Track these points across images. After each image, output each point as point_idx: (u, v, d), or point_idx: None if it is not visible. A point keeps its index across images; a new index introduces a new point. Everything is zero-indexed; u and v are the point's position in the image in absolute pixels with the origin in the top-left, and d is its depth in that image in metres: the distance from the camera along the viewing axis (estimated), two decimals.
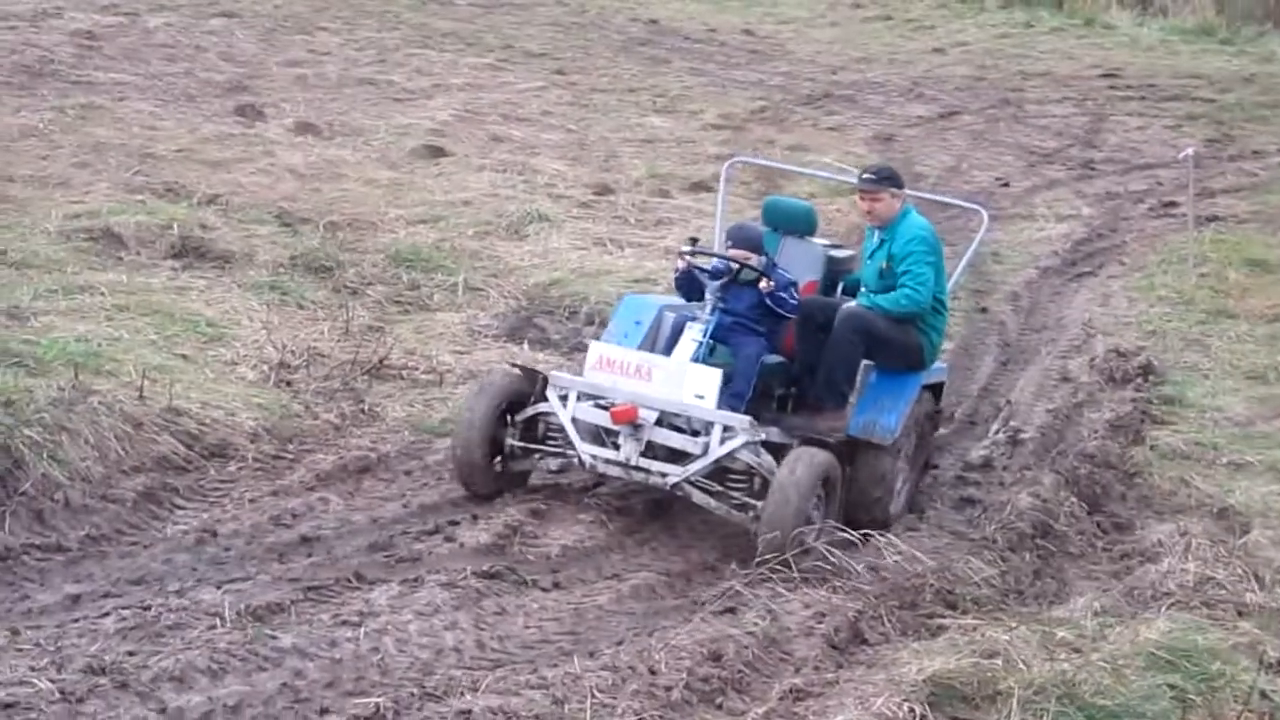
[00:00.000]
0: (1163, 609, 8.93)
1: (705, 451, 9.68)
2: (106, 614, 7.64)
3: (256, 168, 17.52)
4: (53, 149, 17.07)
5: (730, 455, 9.69)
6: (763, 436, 9.77)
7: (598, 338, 10.99)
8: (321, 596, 8.21)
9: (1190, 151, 18.63)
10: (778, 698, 7.47)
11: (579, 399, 9.96)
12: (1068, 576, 9.89)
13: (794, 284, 10.64)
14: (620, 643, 7.94)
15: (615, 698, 7.06)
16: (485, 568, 8.76)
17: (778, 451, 9.76)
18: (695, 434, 9.79)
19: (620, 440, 9.80)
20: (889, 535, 9.88)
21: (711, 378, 9.81)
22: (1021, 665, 7.53)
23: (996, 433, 12.30)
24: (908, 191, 10.97)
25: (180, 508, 9.37)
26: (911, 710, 7.01)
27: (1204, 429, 12.44)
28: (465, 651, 7.73)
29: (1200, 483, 11.28)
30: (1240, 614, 9.08)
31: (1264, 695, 7.81)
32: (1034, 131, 25.76)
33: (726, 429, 9.69)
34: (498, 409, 10.08)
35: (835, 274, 11.27)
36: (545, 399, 10.08)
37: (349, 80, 23.76)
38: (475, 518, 9.63)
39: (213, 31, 25.11)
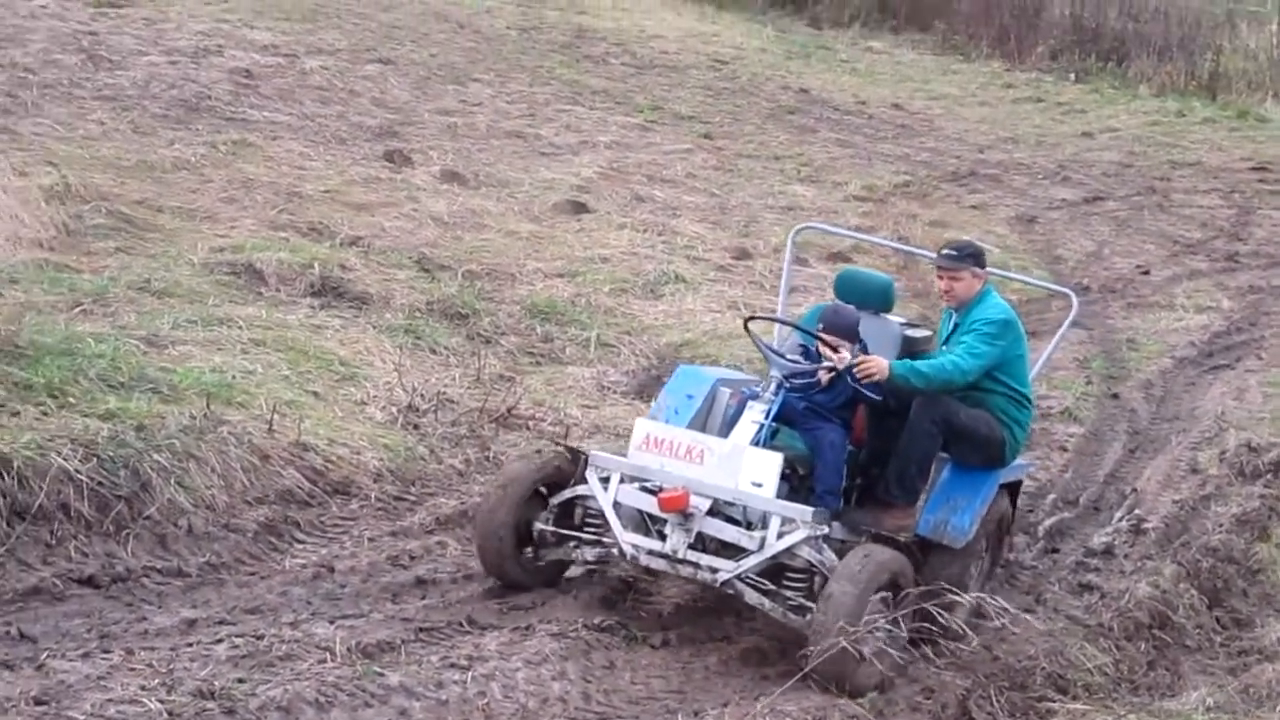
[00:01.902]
0: (1278, 709, 8.75)
1: (762, 546, 8.77)
2: (220, 640, 7.77)
3: (400, 213, 17.74)
4: (203, 183, 17.38)
5: (789, 551, 8.80)
6: (825, 531, 8.86)
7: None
8: (432, 638, 8.30)
9: None
10: None
11: (622, 481, 9.11)
12: (1183, 670, 9.74)
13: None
14: (726, 704, 7.95)
15: None
16: (597, 621, 8.83)
17: (841, 550, 8.95)
18: (750, 526, 8.93)
19: (667, 530, 8.92)
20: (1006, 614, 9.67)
21: (771, 463, 8.92)
22: None
23: (1120, 520, 12.15)
24: (993, 271, 10.41)
25: (300, 541, 9.51)
26: None
27: None
28: (570, 702, 7.78)
29: None
30: None
31: None
32: (1179, 221, 25.51)
33: (785, 521, 8.82)
34: (529, 490, 9.28)
35: (912, 355, 10.30)
36: (585, 480, 9.24)
37: (497, 132, 23.99)
38: (591, 572, 9.56)
39: (368, 77, 25.42)
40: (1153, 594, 10.30)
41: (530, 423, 12.12)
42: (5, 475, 8.41)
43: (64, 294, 12.24)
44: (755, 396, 9.46)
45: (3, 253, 11.77)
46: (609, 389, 13.38)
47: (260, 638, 7.85)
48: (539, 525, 9.25)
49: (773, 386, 9.43)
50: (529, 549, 9.29)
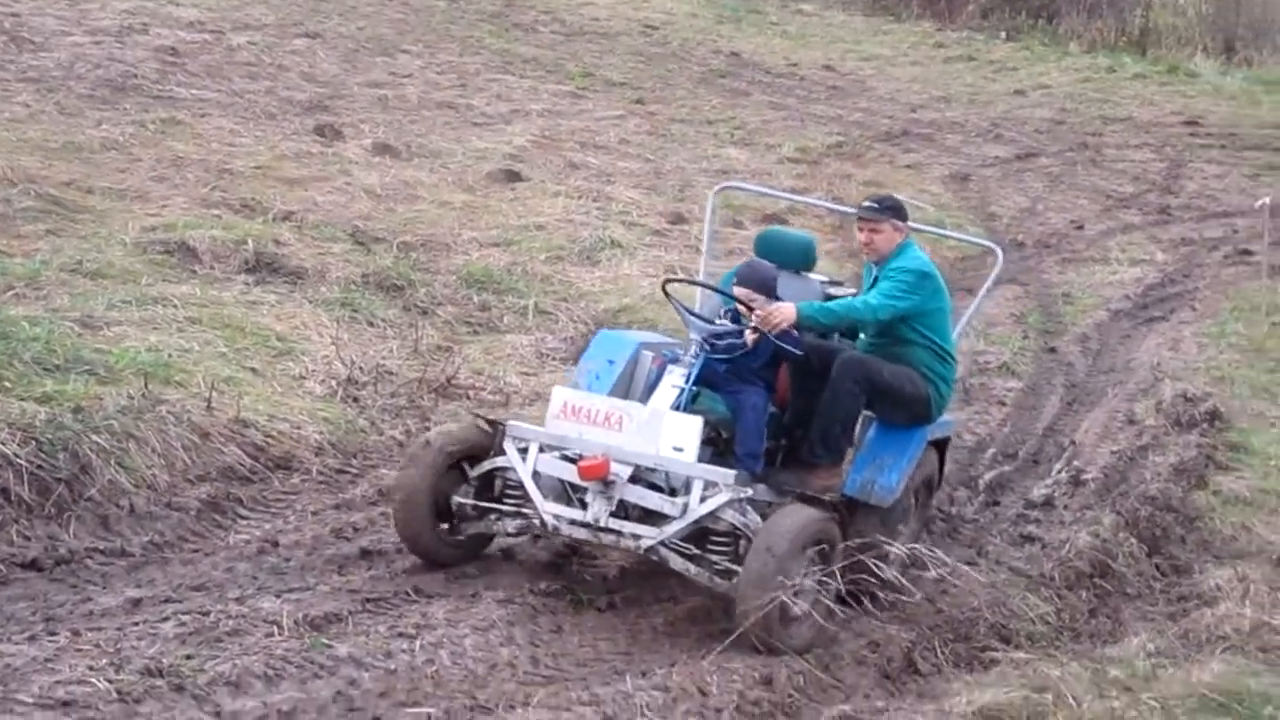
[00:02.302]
0: (1217, 652, 8.83)
1: (684, 511, 8.55)
2: (166, 618, 7.74)
3: (333, 186, 17.69)
4: (132, 162, 17.27)
5: (712, 515, 8.56)
6: (749, 493, 8.64)
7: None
8: (379, 609, 8.29)
9: (1267, 200, 18.61)
10: None
11: (541, 451, 8.87)
12: (1123, 617, 9.83)
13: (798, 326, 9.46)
14: (674, 664, 7.96)
15: (665, 717, 7.11)
16: (542, 586, 8.83)
17: (767, 513, 8.71)
18: (672, 491, 8.70)
19: (588, 498, 8.68)
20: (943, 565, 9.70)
21: (692, 427, 8.69)
22: (1071, 701, 7.50)
23: (1059, 472, 12.28)
24: (914, 226, 10.21)
25: (243, 518, 9.47)
26: None
27: (1268, 476, 12.37)
28: (519, 667, 7.79)
29: (1261, 529, 11.24)
30: None
31: None
32: (1111, 176, 25.72)
33: (708, 485, 8.59)
34: (446, 464, 9.00)
35: None
36: (503, 451, 8.98)
37: (428, 103, 23.93)
38: (535, 538, 9.46)
39: (295, 51, 25.32)
40: (1093, 543, 10.40)
41: (470, 392, 12.13)
42: None
43: None
44: (676, 360, 9.29)
45: None
46: (547, 356, 13.39)
47: (207, 614, 7.82)
48: (458, 499, 9.03)
49: (692, 350, 9.24)
50: (449, 524, 9.09)
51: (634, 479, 8.64)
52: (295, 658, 7.41)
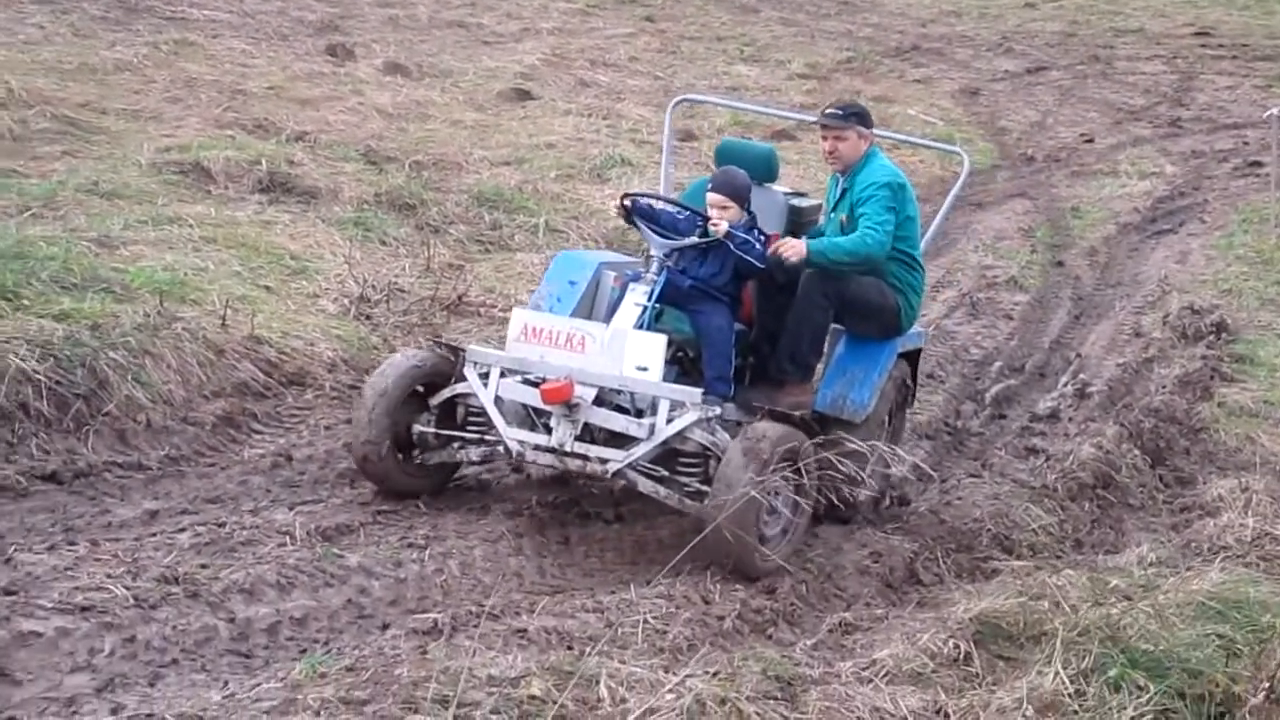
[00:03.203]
0: (1217, 561, 8.93)
1: (651, 432, 8.34)
2: (182, 529, 7.91)
3: (345, 106, 17.80)
4: (146, 84, 17.38)
5: (680, 435, 8.35)
6: (717, 411, 8.43)
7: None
8: (390, 521, 8.46)
9: (1276, 112, 18.58)
10: (827, 630, 7.63)
11: (502, 376, 8.59)
12: (1126, 527, 9.95)
13: (764, 236, 9.21)
14: (678, 574, 8.09)
15: (668, 624, 7.24)
16: (550, 498, 8.99)
17: (735, 431, 8.44)
18: (639, 413, 8.50)
19: (552, 423, 8.44)
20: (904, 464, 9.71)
21: (656, 346, 8.44)
22: (1068, 608, 7.57)
23: (1065, 385, 12.37)
24: (880, 133, 9.89)
25: (257, 432, 9.62)
26: (957, 646, 7.11)
27: (1274, 388, 12.49)
28: (526, 577, 7.95)
29: (1265, 440, 11.35)
30: None
31: None
32: (1122, 89, 25.71)
33: (675, 405, 8.37)
34: (405, 392, 8.74)
35: (798, 226, 9.96)
36: (464, 378, 8.75)
37: (439, 22, 23.99)
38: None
39: None
40: (1096, 455, 10.49)
41: (481, 309, 12.24)
42: None
43: (12, 198, 12.28)
44: (637, 278, 9.03)
45: None
46: None
47: (221, 525, 7.99)
48: (418, 427, 8.81)
49: (654, 267, 8.98)
50: (412, 453, 8.87)
51: (598, 401, 8.42)
52: (307, 567, 7.59)
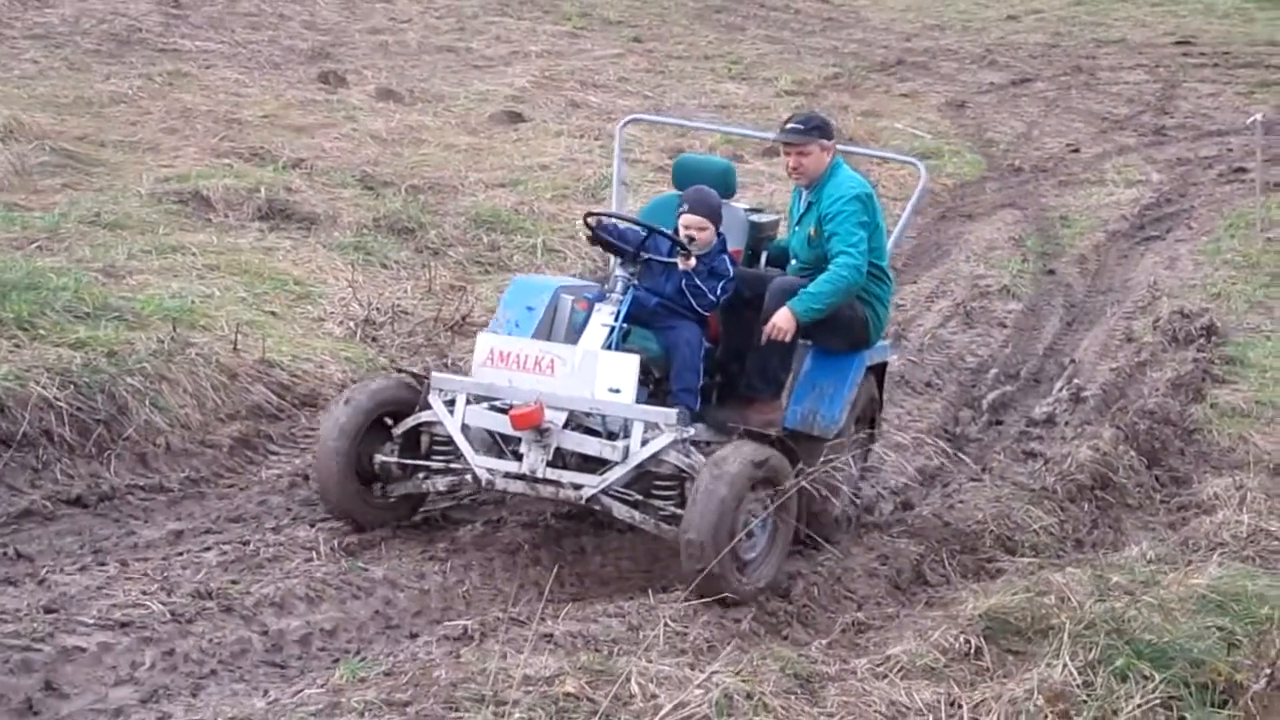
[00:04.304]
0: (1215, 557, 9.08)
1: (626, 456, 8.07)
2: (208, 548, 8.11)
3: (340, 133, 17.99)
4: (142, 115, 17.57)
5: (655, 458, 8.09)
6: (691, 433, 8.23)
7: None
8: (410, 535, 8.64)
9: (1259, 118, 18.84)
10: (840, 630, 7.84)
11: (469, 402, 8.33)
12: (1125, 526, 10.15)
13: (728, 277, 8.92)
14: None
15: (687, 627, 7.40)
16: (565, 510, 9.12)
17: (708, 452, 8.25)
18: (612, 436, 8.22)
19: (523, 449, 8.17)
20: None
21: (628, 366, 8.19)
22: (1074, 603, 7.72)
23: (1060, 390, 12.54)
24: (839, 146, 9.48)
25: (274, 453, 9.81)
26: (967, 642, 7.29)
27: (1264, 388, 12.67)
28: (545, 586, 8.10)
29: (1258, 439, 11.54)
30: None
31: None
32: (1106, 98, 25.95)
33: (649, 427, 8.11)
34: (366, 422, 8.48)
35: (758, 241, 9.83)
36: (429, 406, 8.48)
37: (429, 47, 24.20)
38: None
39: (296, 0, 25.52)
40: (1093, 457, 10.67)
41: (484, 329, 12.38)
42: None
43: (18, 231, 12.47)
44: (603, 299, 8.77)
45: None
46: None
47: (246, 543, 8.19)
48: (381, 458, 8.53)
49: (619, 286, 8.73)
50: (374, 485, 8.62)
51: (569, 425, 8.18)
52: (334, 580, 7.80)
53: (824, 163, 9.11)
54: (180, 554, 8.00)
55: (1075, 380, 12.75)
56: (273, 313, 11.77)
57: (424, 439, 8.66)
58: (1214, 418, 11.98)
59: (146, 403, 9.42)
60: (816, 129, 9.14)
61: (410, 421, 8.54)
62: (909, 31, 30.91)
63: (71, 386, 9.13)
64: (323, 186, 15.52)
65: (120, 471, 8.96)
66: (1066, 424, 11.79)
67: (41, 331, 9.83)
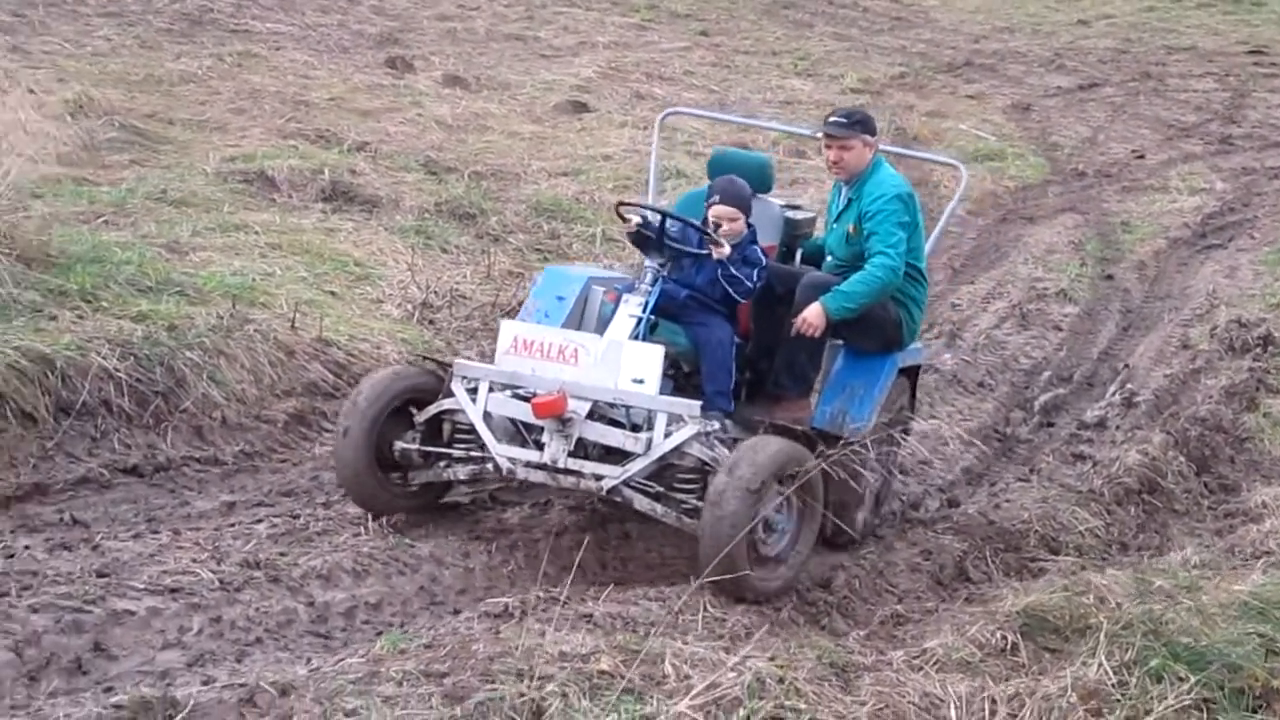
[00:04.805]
0: (1259, 565, 9.06)
1: (648, 447, 7.98)
2: (259, 520, 8.28)
3: (405, 118, 18.14)
4: (211, 95, 17.77)
5: (678, 450, 8.00)
6: (715, 426, 8.12)
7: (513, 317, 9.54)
8: (458, 515, 8.79)
9: None
10: (879, 622, 7.91)
11: (491, 390, 8.25)
12: (1171, 532, 10.10)
13: (761, 265, 8.81)
14: None
15: (726, 613, 7.47)
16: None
17: (734, 447, 8.06)
18: (635, 427, 8.14)
19: (544, 438, 8.09)
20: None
21: (653, 358, 8.09)
22: (1113, 604, 7.76)
23: (1113, 394, 12.51)
24: (881, 145, 9.37)
25: (327, 430, 9.92)
26: (1004, 638, 7.34)
27: None
28: (588, 568, 8.20)
29: None
30: None
31: None
32: (1174, 105, 25.82)
33: (672, 419, 8.04)
34: (388, 409, 8.41)
35: (793, 238, 9.72)
36: (451, 393, 8.40)
37: (497, 35, 24.33)
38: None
39: None
40: (1142, 461, 10.63)
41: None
42: (49, 374, 8.86)
43: (86, 206, 12.67)
44: (632, 289, 8.71)
45: (26, 168, 12.14)
46: None
47: (296, 517, 8.34)
48: (402, 445, 8.44)
49: (649, 277, 8.66)
50: (396, 473, 8.54)
51: (592, 415, 8.09)
52: (381, 555, 7.94)
53: (865, 158, 9.01)
54: (231, 525, 8.17)
55: (1128, 385, 12.73)
56: (332, 293, 11.91)
57: (446, 427, 8.58)
58: (1266, 427, 11.92)
59: (204, 376, 9.59)
60: (859, 123, 9.01)
61: (432, 409, 8.46)
62: (978, 33, 30.85)
63: (132, 358, 9.31)
64: (386, 170, 15.66)
65: (176, 443, 9.14)
66: (1117, 428, 11.77)
67: (104, 304, 10.01)
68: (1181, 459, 10.93)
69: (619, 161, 17.65)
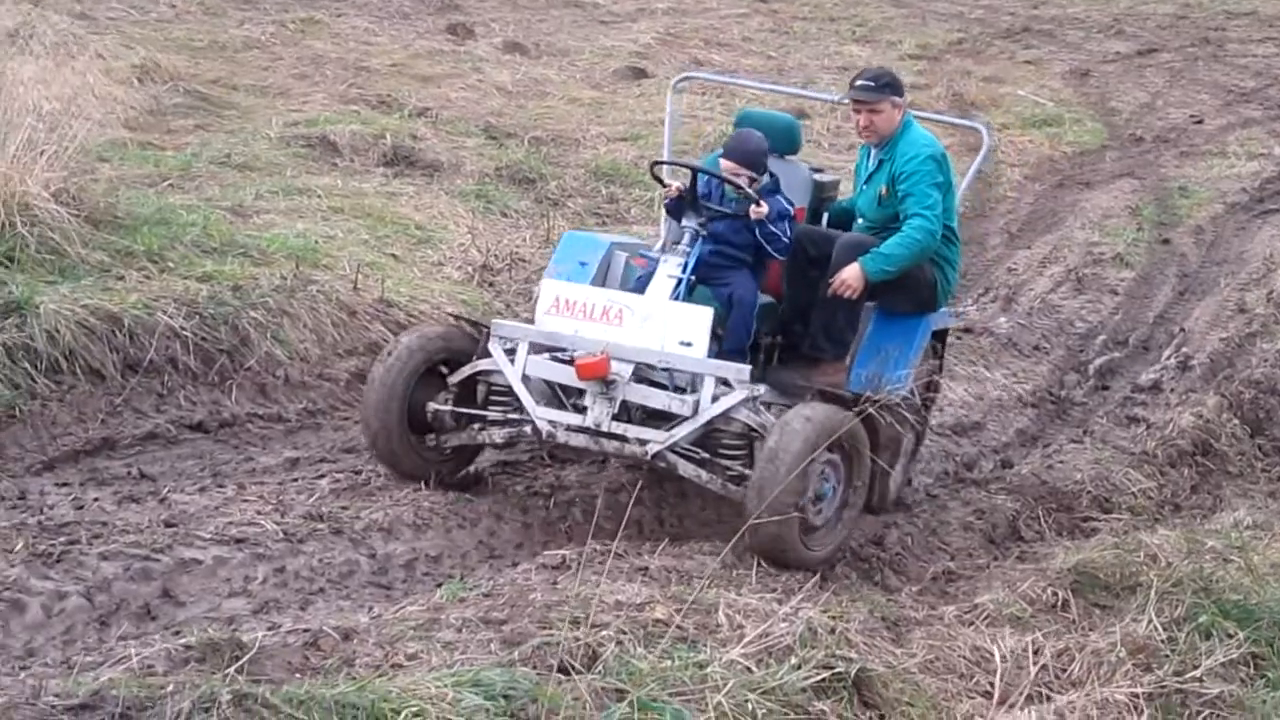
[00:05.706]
0: None
1: (695, 411, 7.80)
2: (322, 475, 8.43)
3: (465, 83, 18.29)
4: (274, 60, 17.96)
5: (724, 415, 7.82)
6: (763, 390, 7.93)
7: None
8: (517, 470, 8.93)
9: None
10: (931, 578, 8.03)
11: (530, 352, 8.05)
12: (1224, 493, 10.19)
13: (790, 216, 8.64)
14: None
15: (779, 569, 7.62)
16: None
17: (775, 413, 7.92)
18: (680, 390, 7.93)
19: (587, 401, 7.90)
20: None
21: (702, 320, 7.92)
22: (1164, 562, 7.84)
23: (1168, 358, 12.55)
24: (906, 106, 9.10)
25: None
26: (1055, 594, 7.46)
27: None
28: (645, 524, 8.35)
29: None
30: None
31: None
32: (1233, 71, 25.66)
33: (720, 383, 7.85)
34: (420, 369, 8.24)
35: (821, 201, 9.43)
36: (488, 354, 8.18)
37: (556, 2, 24.43)
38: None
39: None
40: (1196, 423, 10.73)
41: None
42: (117, 333, 9.06)
43: (151, 169, 12.86)
44: (668, 251, 8.55)
45: (94, 132, 12.32)
46: None
47: (358, 473, 8.47)
48: (434, 407, 8.25)
49: (686, 238, 8.48)
50: (428, 435, 8.36)
51: (637, 377, 7.91)
52: (441, 509, 8.08)
53: (895, 121, 8.78)
54: (295, 480, 8.33)
55: (1184, 349, 12.76)
56: (393, 255, 12.05)
57: (480, 389, 8.37)
58: None
59: (268, 336, 9.76)
60: (888, 86, 8.79)
61: (467, 370, 8.28)
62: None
63: (197, 317, 9.49)
64: (447, 135, 15.81)
65: (241, 400, 9.32)
66: (1172, 391, 11.81)
67: (170, 264, 10.19)
68: (1235, 421, 11.00)
69: (676, 127, 17.72)
